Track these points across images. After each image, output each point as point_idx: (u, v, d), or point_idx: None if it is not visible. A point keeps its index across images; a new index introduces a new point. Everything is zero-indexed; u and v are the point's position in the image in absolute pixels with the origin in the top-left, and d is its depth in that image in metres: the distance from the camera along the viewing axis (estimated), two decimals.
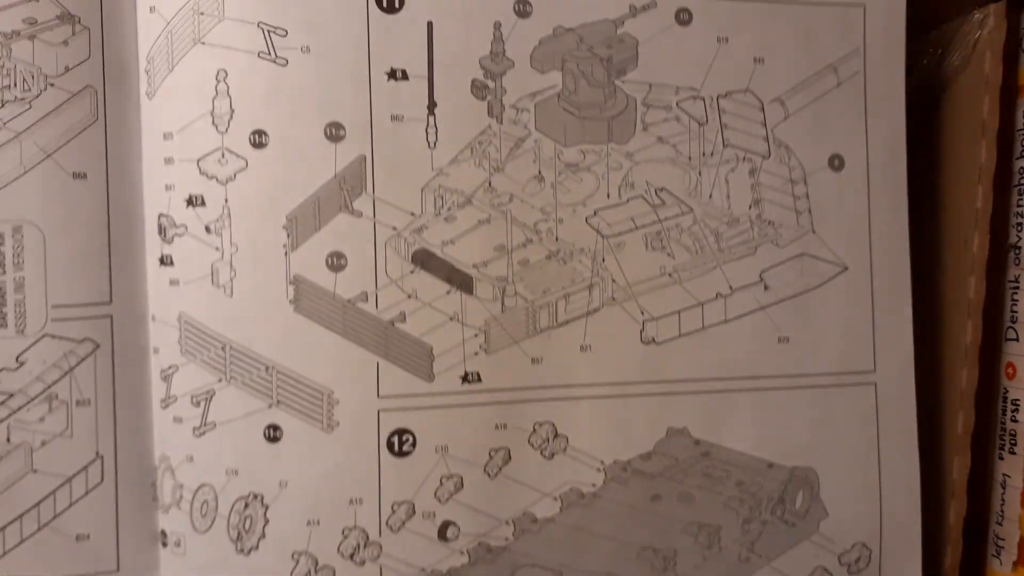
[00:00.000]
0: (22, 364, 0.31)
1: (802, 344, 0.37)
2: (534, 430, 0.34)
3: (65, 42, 0.31)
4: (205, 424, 0.32)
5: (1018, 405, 0.36)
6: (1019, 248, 0.36)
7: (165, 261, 0.32)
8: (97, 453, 0.32)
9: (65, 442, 0.32)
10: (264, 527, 0.32)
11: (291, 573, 0.32)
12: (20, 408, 0.31)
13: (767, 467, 0.36)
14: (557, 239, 0.35)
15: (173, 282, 0.32)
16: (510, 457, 0.34)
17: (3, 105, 0.30)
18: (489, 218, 0.34)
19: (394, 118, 0.33)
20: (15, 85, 0.30)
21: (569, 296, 0.35)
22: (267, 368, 0.32)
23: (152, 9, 0.32)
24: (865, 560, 0.37)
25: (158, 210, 0.32)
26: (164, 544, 0.33)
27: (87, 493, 0.33)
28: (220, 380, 0.32)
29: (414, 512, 0.33)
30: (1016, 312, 0.36)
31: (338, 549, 0.33)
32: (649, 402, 0.35)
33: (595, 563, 0.35)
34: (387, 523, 0.33)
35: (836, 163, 0.37)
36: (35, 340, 0.31)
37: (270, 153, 0.32)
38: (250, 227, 0.32)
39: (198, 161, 0.32)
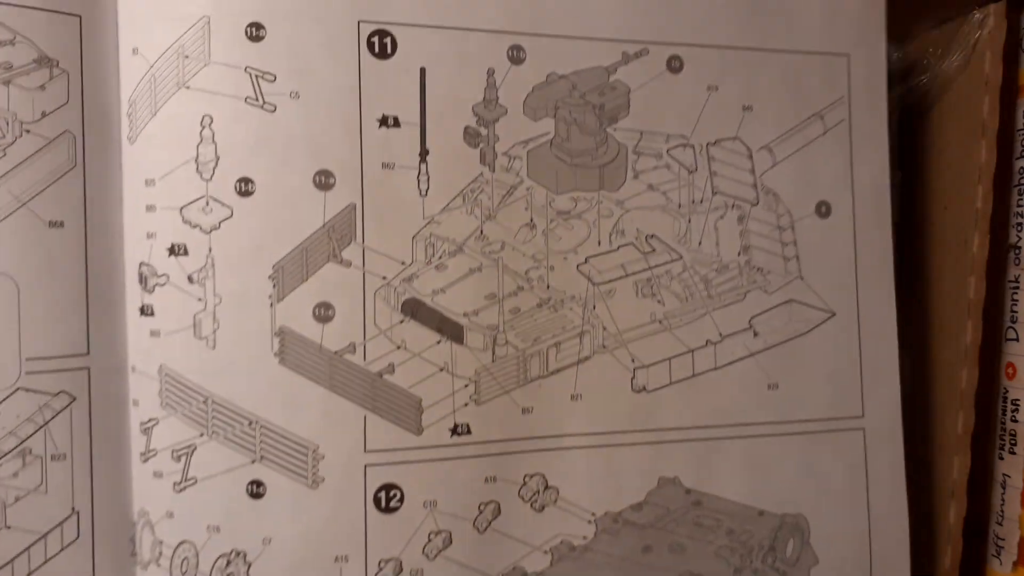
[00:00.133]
0: None
1: (791, 391, 0.35)
2: (524, 482, 0.33)
3: (42, 86, 0.29)
4: (186, 479, 0.30)
5: (1018, 405, 0.35)
6: (1019, 248, 0.36)
7: (146, 311, 0.30)
8: (73, 509, 0.30)
9: (39, 498, 0.30)
10: None
11: None
12: None
13: (758, 515, 0.35)
14: (548, 287, 0.33)
15: (154, 333, 0.30)
16: (500, 511, 0.32)
17: None
18: (480, 266, 0.32)
19: (385, 166, 0.31)
20: None
21: (560, 344, 0.33)
22: (250, 422, 0.30)
23: (135, 51, 0.30)
24: None
25: (139, 259, 0.30)
26: None
27: (63, 549, 0.31)
28: (202, 434, 0.30)
29: (401, 569, 0.31)
30: (1016, 312, 0.35)
31: None
32: (640, 451, 0.34)
33: None
34: None
35: (823, 210, 0.36)
36: (8, 394, 0.29)
37: (256, 201, 0.30)
38: (235, 277, 0.30)
39: (181, 209, 0.30)
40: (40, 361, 0.29)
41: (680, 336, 0.34)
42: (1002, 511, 0.36)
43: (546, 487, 0.33)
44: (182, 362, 0.30)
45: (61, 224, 0.29)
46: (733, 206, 0.35)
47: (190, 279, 0.30)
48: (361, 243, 0.31)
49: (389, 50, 0.31)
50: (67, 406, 0.30)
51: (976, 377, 0.36)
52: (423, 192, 0.32)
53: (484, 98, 0.32)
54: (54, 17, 0.29)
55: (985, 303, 0.36)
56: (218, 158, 0.30)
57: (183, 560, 0.30)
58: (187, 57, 0.29)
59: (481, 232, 0.32)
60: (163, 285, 0.30)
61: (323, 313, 0.30)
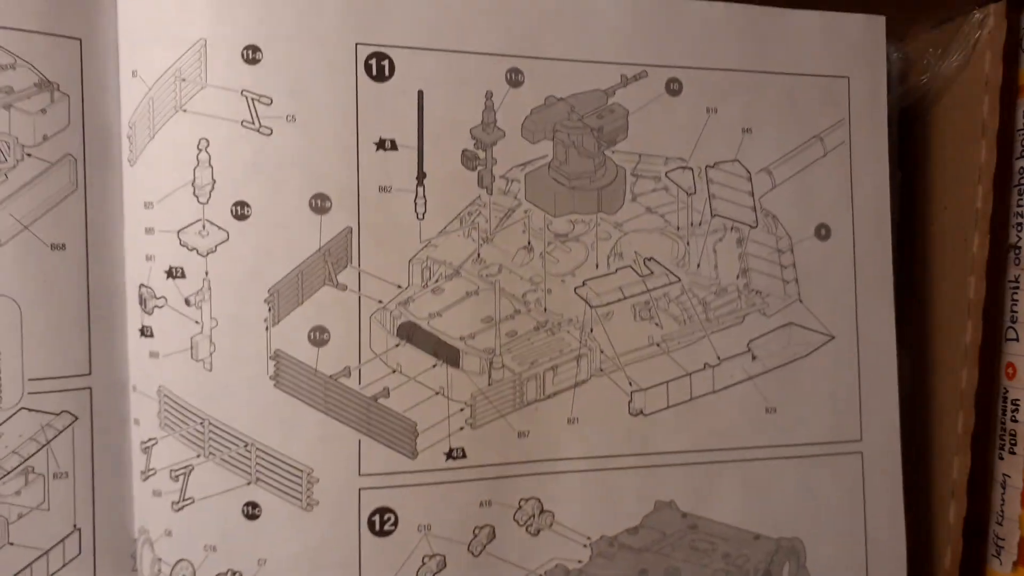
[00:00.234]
0: None
1: (789, 414, 0.35)
2: (520, 506, 0.32)
3: (43, 110, 0.28)
4: (184, 499, 0.30)
5: (1018, 405, 0.34)
6: (1019, 248, 0.35)
7: (145, 332, 0.30)
8: (75, 526, 0.30)
9: (42, 515, 0.30)
10: None
11: None
12: None
13: (754, 539, 0.34)
14: (546, 310, 0.32)
15: (153, 354, 0.30)
16: (495, 534, 0.31)
17: None
18: (477, 289, 0.32)
19: (382, 189, 0.30)
20: None
21: (557, 367, 0.32)
22: (246, 444, 0.29)
23: (134, 73, 0.29)
24: None
25: (139, 280, 0.30)
26: None
27: (64, 566, 0.30)
28: (199, 455, 0.29)
29: None
30: (1016, 312, 0.35)
31: None
32: (636, 475, 0.33)
33: None
34: None
35: (823, 232, 0.35)
36: (11, 414, 0.29)
37: (252, 225, 0.29)
38: (231, 301, 0.29)
39: (178, 232, 0.29)
40: (43, 381, 0.29)
41: (678, 359, 0.34)
42: (1002, 511, 0.35)
43: (541, 511, 0.32)
44: (180, 384, 0.29)
45: (63, 247, 0.29)
46: (732, 228, 0.34)
47: (187, 302, 0.29)
48: (357, 267, 0.30)
49: (387, 73, 0.31)
50: (69, 425, 0.30)
51: (976, 377, 0.35)
52: (420, 215, 0.31)
53: (482, 121, 0.31)
54: (55, 41, 0.29)
55: (985, 303, 0.35)
56: (214, 181, 0.29)
57: None
58: (184, 80, 0.29)
59: (478, 255, 0.32)
60: (161, 307, 0.29)
61: (318, 337, 0.30)
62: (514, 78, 0.32)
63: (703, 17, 0.34)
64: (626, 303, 0.33)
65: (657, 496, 0.33)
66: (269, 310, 0.29)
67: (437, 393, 0.31)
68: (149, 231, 0.29)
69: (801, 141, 0.35)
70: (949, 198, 0.37)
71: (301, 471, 0.30)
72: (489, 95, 0.32)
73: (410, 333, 0.31)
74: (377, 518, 0.30)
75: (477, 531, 0.31)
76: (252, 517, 0.30)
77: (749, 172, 0.35)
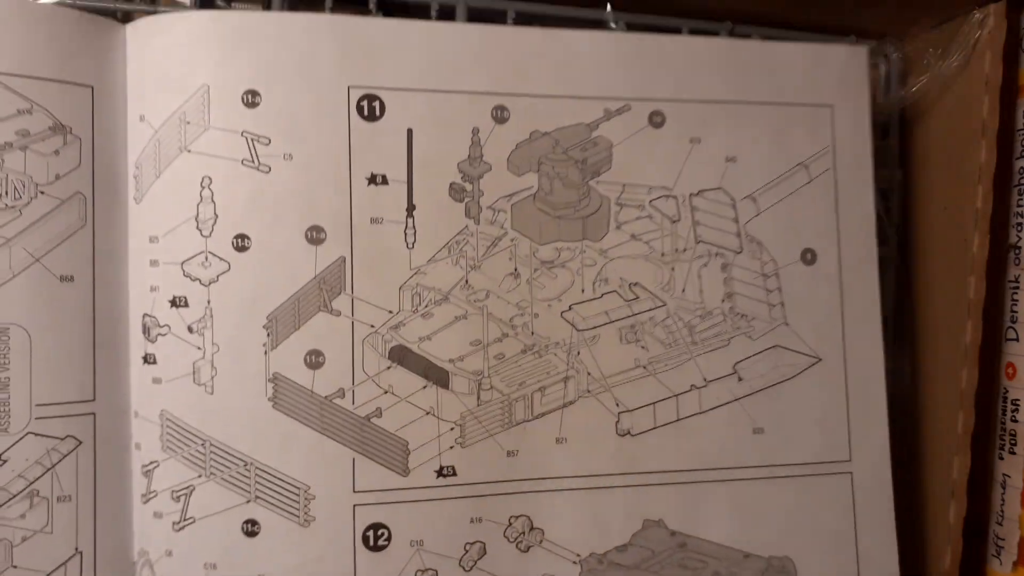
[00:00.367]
0: (4, 462, 0.29)
1: (777, 435, 0.35)
2: (510, 523, 0.32)
3: (56, 151, 0.30)
4: (185, 519, 0.30)
5: (1018, 405, 0.34)
6: (1019, 248, 0.35)
7: (148, 360, 0.31)
8: (76, 549, 0.31)
9: (45, 538, 0.30)
10: None
11: None
12: (1, 505, 0.29)
13: (743, 557, 0.34)
14: (533, 333, 0.33)
15: (156, 380, 0.31)
16: (485, 551, 0.32)
17: None
18: (466, 314, 0.32)
19: (374, 221, 0.32)
20: (6, 194, 0.29)
21: (545, 389, 0.33)
22: (245, 464, 0.30)
23: (142, 118, 0.31)
24: None
25: (143, 310, 0.31)
26: None
27: None
28: (200, 476, 0.30)
29: None
30: (1016, 312, 0.35)
31: None
32: (625, 494, 0.33)
33: None
34: None
35: (808, 257, 0.35)
36: (18, 438, 0.30)
37: (252, 256, 0.31)
38: (231, 327, 0.30)
39: (182, 264, 0.30)
40: (49, 407, 0.30)
41: (664, 381, 0.34)
42: (1002, 511, 0.35)
43: (531, 528, 0.32)
44: (182, 407, 0.30)
45: (71, 278, 0.30)
46: (716, 254, 0.35)
47: (190, 329, 0.30)
48: (351, 293, 0.31)
49: (378, 113, 0.32)
50: (73, 450, 0.30)
51: (976, 377, 0.35)
52: (410, 244, 0.32)
53: (469, 155, 0.32)
54: (68, 88, 0.30)
55: (985, 303, 0.35)
56: (217, 216, 0.30)
57: None
58: (189, 123, 0.30)
59: (466, 281, 0.32)
60: (165, 335, 0.31)
61: (314, 360, 0.31)
62: (499, 115, 0.33)
63: (685, 51, 0.35)
64: (612, 326, 0.34)
65: (646, 515, 0.33)
66: (268, 335, 0.30)
67: (428, 413, 0.32)
68: (154, 263, 0.31)
69: (785, 169, 0.36)
70: (949, 198, 0.36)
71: (298, 488, 0.30)
72: (476, 131, 0.33)
73: (401, 356, 0.31)
74: (371, 533, 0.31)
75: (468, 547, 0.32)
76: (251, 534, 0.30)
77: (733, 199, 0.35)
